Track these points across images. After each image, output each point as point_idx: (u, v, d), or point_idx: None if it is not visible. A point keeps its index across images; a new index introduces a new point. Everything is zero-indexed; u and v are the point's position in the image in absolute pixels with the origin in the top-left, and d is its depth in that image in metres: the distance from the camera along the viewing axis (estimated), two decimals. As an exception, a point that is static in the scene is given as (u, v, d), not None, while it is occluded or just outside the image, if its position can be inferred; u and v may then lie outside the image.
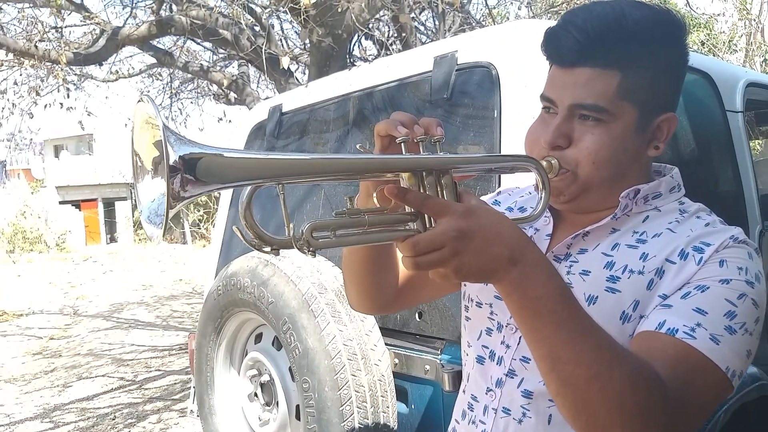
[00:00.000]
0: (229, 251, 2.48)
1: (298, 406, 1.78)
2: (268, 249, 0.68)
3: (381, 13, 4.85)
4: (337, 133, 2.16)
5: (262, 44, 4.52)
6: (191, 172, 0.60)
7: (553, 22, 1.09)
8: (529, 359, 0.89)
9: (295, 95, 2.47)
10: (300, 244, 0.67)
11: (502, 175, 1.46)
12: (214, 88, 7.40)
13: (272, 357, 1.87)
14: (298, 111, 2.35)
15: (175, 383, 5.39)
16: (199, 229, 20.66)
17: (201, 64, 6.60)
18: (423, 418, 1.68)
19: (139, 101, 0.65)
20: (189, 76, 7.31)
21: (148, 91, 8.47)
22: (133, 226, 26.76)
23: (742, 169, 2.01)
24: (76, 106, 6.84)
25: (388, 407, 1.64)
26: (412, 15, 5.36)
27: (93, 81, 7.25)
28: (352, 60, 5.25)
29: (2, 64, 6.05)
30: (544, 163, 0.86)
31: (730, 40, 10.56)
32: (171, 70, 7.28)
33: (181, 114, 8.58)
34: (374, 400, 1.61)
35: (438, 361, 1.59)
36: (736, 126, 2.04)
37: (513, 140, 1.52)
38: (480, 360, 0.97)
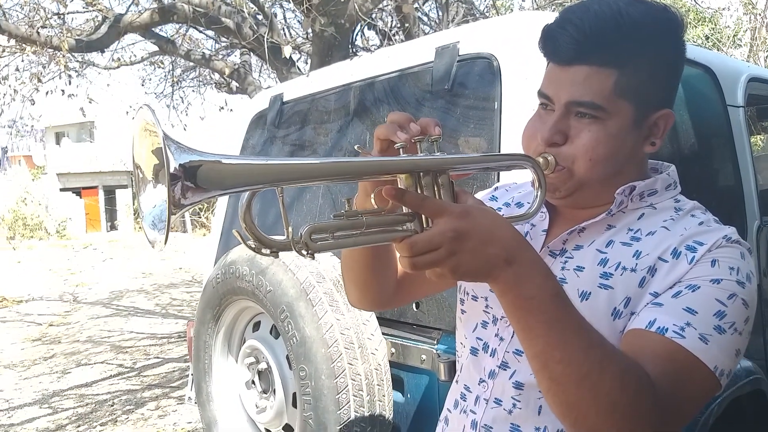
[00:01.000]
0: (228, 240, 2.48)
1: (294, 394, 1.79)
2: (267, 252, 0.69)
3: (384, 3, 4.83)
4: (338, 123, 2.15)
5: (265, 33, 4.51)
6: (191, 180, 0.61)
7: (556, 14, 1.09)
8: (522, 352, 0.90)
9: (296, 85, 2.47)
10: (299, 246, 0.68)
11: (501, 172, 1.47)
12: (216, 76, 7.38)
13: (270, 345, 1.88)
14: (299, 100, 2.34)
15: (173, 371, 5.41)
16: (200, 218, 20.69)
17: (203, 52, 6.58)
18: (419, 407, 1.69)
19: (139, 109, 0.65)
20: (191, 64, 7.30)
21: (150, 79, 8.46)
22: (134, 214, 26.77)
23: (742, 164, 2.01)
24: (77, 93, 6.83)
25: (384, 396, 1.65)
26: (416, 5, 5.33)
27: (95, 68, 7.23)
28: (354, 50, 5.23)
29: (4, 50, 6.04)
30: (540, 160, 0.87)
31: (734, 35, 10.52)
32: (173, 58, 7.27)
33: (183, 102, 8.56)
34: (370, 389, 1.62)
35: (434, 351, 1.60)
36: (737, 121, 2.04)
37: (513, 132, 1.52)
38: (474, 351, 0.98)
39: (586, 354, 0.70)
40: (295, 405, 1.80)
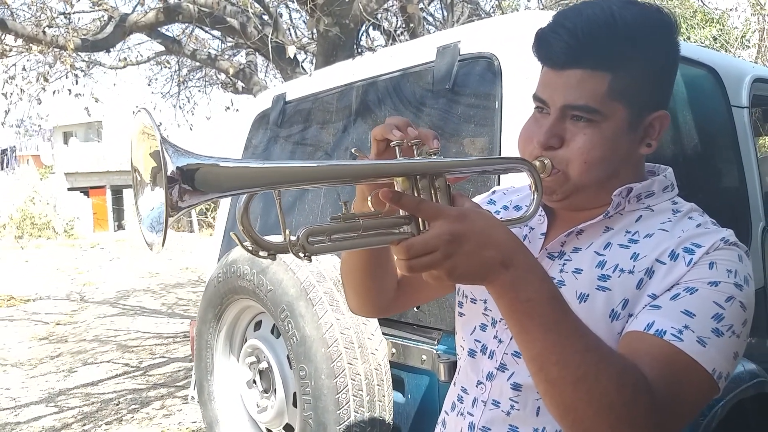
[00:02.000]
0: (230, 239, 2.49)
1: (295, 394, 1.79)
2: (264, 254, 0.69)
3: (389, 3, 4.83)
4: (340, 123, 2.15)
5: (270, 33, 4.52)
6: (189, 183, 0.61)
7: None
8: (521, 354, 0.90)
9: (299, 84, 2.47)
10: (296, 249, 0.68)
11: (501, 175, 1.46)
12: (222, 76, 7.41)
13: (271, 344, 1.88)
14: (301, 100, 2.35)
15: (179, 370, 5.43)
16: (206, 218, 20.74)
17: (209, 52, 6.60)
18: (419, 407, 1.69)
19: (137, 113, 0.66)
20: (197, 64, 7.32)
21: (156, 79, 8.49)
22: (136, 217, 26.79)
23: (747, 166, 2.00)
24: (84, 93, 6.86)
25: (384, 396, 1.65)
26: (420, 5, 5.33)
27: (101, 68, 7.27)
28: (359, 50, 5.24)
29: (11, 50, 6.08)
30: (537, 164, 0.88)
31: (742, 36, 10.45)
32: (179, 58, 7.29)
33: (189, 102, 8.59)
34: (370, 389, 1.62)
35: (434, 352, 1.60)
36: (742, 121, 2.02)
37: (514, 131, 1.51)
38: (472, 354, 0.98)
39: (583, 356, 0.70)
40: (295, 405, 1.80)
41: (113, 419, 4.34)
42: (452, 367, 1.52)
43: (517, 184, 1.12)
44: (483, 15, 5.94)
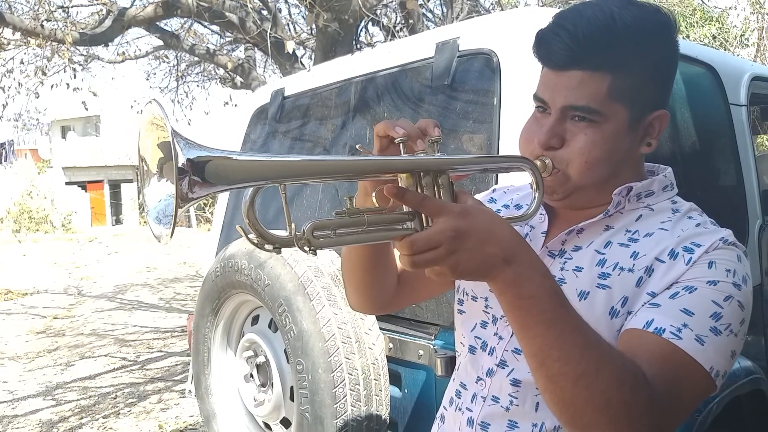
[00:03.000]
0: (229, 233, 2.49)
1: (292, 388, 1.80)
2: (270, 247, 0.70)
3: (388, -1, 4.82)
4: (338, 118, 2.15)
5: (268, 28, 4.51)
6: (199, 174, 0.62)
7: (555, 10, 1.09)
8: (521, 351, 0.91)
9: (297, 79, 2.47)
10: (301, 243, 0.69)
11: (500, 174, 1.47)
12: (221, 71, 7.39)
13: (268, 339, 1.89)
14: (300, 95, 2.35)
15: (176, 364, 5.44)
16: (204, 212, 20.71)
17: (207, 47, 6.58)
18: (415, 402, 1.69)
19: (148, 104, 0.66)
20: (195, 59, 7.30)
21: (154, 74, 8.47)
22: (139, 209, 26.84)
23: (744, 163, 2.01)
24: (82, 87, 6.84)
25: (381, 390, 1.65)
26: (420, 1, 5.32)
27: (99, 62, 7.24)
28: (358, 46, 5.23)
29: (9, 43, 6.05)
30: (538, 163, 0.88)
31: (742, 35, 10.45)
32: (177, 53, 7.27)
33: (188, 97, 8.57)
34: (367, 383, 1.62)
35: (431, 347, 1.60)
36: (740, 119, 2.03)
37: (512, 127, 1.52)
38: (472, 350, 0.99)
39: (583, 353, 0.71)
40: (292, 398, 1.80)
41: (110, 413, 4.35)
42: (449, 362, 1.53)
43: (515, 183, 1.13)
44: (482, 11, 5.93)
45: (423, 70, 1.84)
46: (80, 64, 6.90)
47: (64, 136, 28.84)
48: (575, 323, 0.73)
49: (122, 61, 7.00)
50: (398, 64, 1.94)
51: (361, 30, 5.40)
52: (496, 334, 0.96)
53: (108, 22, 5.01)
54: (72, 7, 5.49)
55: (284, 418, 1.88)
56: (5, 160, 26.28)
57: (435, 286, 1.08)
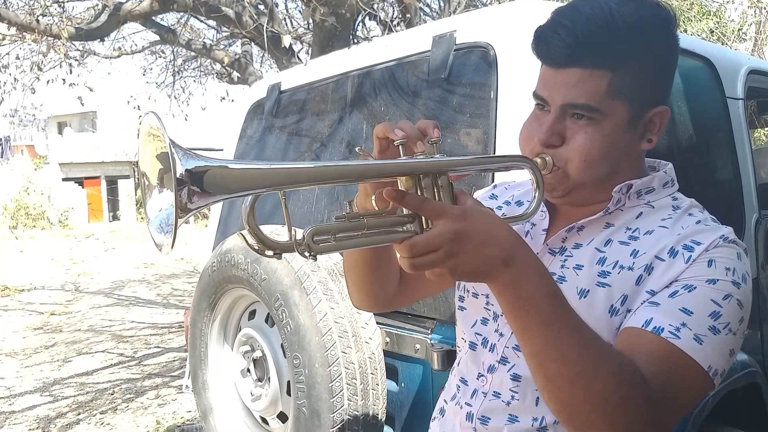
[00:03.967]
0: (225, 228, 2.49)
1: (289, 382, 1.79)
2: (270, 253, 0.70)
3: (385, -7, 4.80)
4: (335, 112, 2.15)
5: (265, 22, 4.49)
6: (198, 185, 0.62)
7: (557, 4, 1.08)
8: None
9: (294, 74, 2.46)
10: (301, 248, 0.69)
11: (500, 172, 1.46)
12: (217, 66, 7.37)
13: (265, 333, 1.88)
14: (296, 89, 2.34)
15: (173, 360, 5.44)
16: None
17: (204, 42, 6.56)
18: (412, 396, 1.69)
19: (145, 115, 0.66)
20: (192, 54, 7.27)
21: (151, 69, 8.44)
22: (136, 205, 26.80)
23: (741, 157, 2.01)
24: (78, 83, 6.82)
25: (377, 385, 1.65)
26: (417, -4, 5.30)
27: (95, 57, 7.21)
28: (355, 40, 5.21)
29: (4, 39, 6.02)
30: (538, 161, 0.88)
31: (739, 29, 10.45)
32: (174, 48, 7.24)
33: (184, 92, 8.54)
34: (364, 378, 1.62)
35: (428, 341, 1.60)
36: (737, 113, 2.03)
37: (509, 121, 1.52)
38: (473, 346, 0.99)
39: (581, 353, 0.72)
40: (289, 393, 1.80)
41: (108, 409, 4.35)
42: (446, 356, 1.53)
43: (516, 179, 1.12)
44: (479, 5, 5.91)
45: (420, 63, 1.83)
46: (76, 60, 6.86)
47: (60, 132, 28.74)
48: (573, 324, 0.73)
49: (118, 56, 6.98)
50: (395, 58, 1.94)
51: (358, 24, 5.38)
52: (497, 330, 0.96)
53: (104, 17, 4.99)
54: (67, 1, 5.46)
55: (281, 412, 1.88)
56: (2, 157, 26.20)
57: (436, 284, 1.08)
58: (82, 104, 6.95)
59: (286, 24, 5.99)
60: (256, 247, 0.70)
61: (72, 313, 7.79)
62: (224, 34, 6.72)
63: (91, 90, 6.67)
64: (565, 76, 0.86)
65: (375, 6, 4.94)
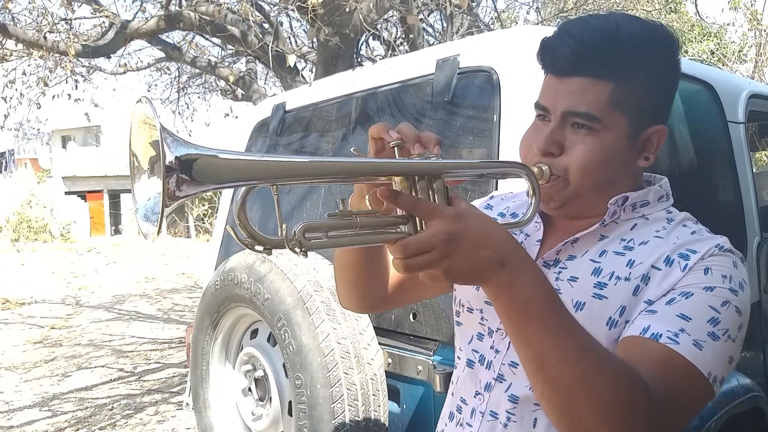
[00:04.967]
0: (229, 246, 2.49)
1: (290, 402, 1.79)
2: (260, 248, 0.69)
3: (389, 13, 4.86)
4: (339, 133, 2.17)
5: (270, 41, 4.54)
6: (187, 173, 0.61)
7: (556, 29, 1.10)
8: (518, 364, 0.91)
9: (298, 94, 2.49)
10: (292, 244, 0.68)
11: (499, 181, 1.47)
12: (222, 83, 7.42)
13: (267, 353, 1.89)
14: (301, 109, 2.36)
15: (173, 376, 5.41)
16: (204, 223, 20.72)
17: (209, 59, 6.61)
18: (414, 417, 1.69)
19: (137, 101, 0.66)
20: (197, 71, 7.33)
21: (156, 85, 8.51)
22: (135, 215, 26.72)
23: (742, 181, 2.02)
24: (83, 98, 6.87)
25: (379, 406, 1.65)
26: (420, 16, 5.36)
27: (101, 73, 7.28)
28: (359, 60, 5.26)
29: (11, 54, 6.09)
30: (535, 170, 0.88)
31: (739, 51, 10.53)
32: (179, 65, 7.30)
33: (188, 108, 8.59)
34: (366, 399, 1.62)
35: (430, 362, 1.60)
36: (738, 137, 2.04)
37: (512, 145, 1.53)
38: (470, 364, 0.99)
39: (581, 356, 0.70)
40: (290, 413, 1.80)
41: (107, 424, 4.32)
42: (448, 378, 1.52)
43: (515, 190, 1.13)
44: (482, 26, 5.97)
45: (423, 86, 1.86)
46: (82, 76, 6.93)
47: (64, 146, 28.87)
48: (571, 326, 0.72)
49: (124, 72, 7.03)
50: (399, 80, 1.96)
51: (361, 44, 5.43)
52: (492, 347, 0.95)
53: (110, 35, 5.04)
54: (75, 19, 5.52)
55: (282, 432, 1.88)
56: (5, 170, 26.30)
57: (428, 288, 1.07)
58: (89, 120, 6.99)
59: (291, 43, 6.06)
60: (247, 242, 0.69)
61: (72, 327, 7.77)
62: (229, 52, 6.78)
63: (96, 106, 6.72)
64: (568, 84, 0.87)
65: (379, 26, 5.00)
